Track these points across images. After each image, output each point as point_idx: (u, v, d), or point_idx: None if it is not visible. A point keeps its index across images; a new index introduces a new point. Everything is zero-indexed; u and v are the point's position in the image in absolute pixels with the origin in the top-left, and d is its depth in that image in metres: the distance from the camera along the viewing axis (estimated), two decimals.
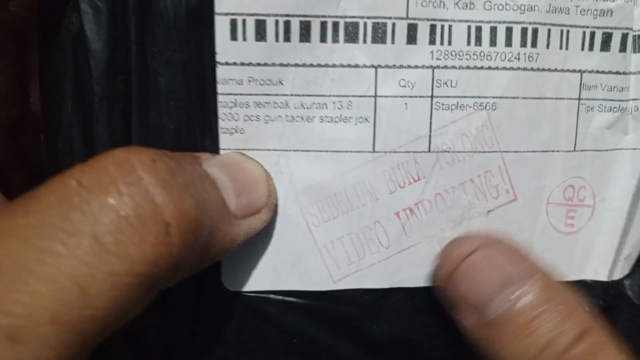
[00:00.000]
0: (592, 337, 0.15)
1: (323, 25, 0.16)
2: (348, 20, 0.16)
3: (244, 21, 0.16)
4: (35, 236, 0.12)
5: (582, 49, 0.17)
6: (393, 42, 0.16)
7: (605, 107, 0.18)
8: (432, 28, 0.17)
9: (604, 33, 0.17)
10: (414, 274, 0.18)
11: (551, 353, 0.15)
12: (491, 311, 0.16)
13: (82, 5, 0.15)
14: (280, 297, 0.18)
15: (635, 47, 0.18)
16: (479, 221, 0.18)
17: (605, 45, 0.18)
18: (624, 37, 0.18)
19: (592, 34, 0.17)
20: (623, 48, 0.18)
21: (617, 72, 0.18)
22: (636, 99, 0.18)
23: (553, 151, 0.18)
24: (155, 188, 0.13)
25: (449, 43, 0.17)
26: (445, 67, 0.17)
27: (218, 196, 0.15)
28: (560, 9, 0.17)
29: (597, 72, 0.18)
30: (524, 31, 0.17)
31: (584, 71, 0.18)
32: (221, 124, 0.17)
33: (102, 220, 0.12)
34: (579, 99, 0.18)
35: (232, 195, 0.15)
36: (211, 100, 0.16)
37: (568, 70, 0.17)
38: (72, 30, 0.15)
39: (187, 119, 0.16)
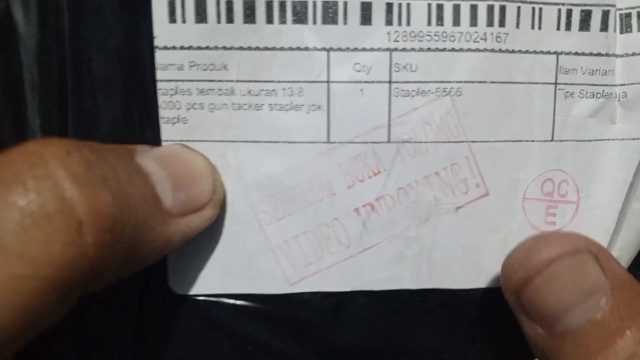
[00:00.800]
0: None
1: (269, 4, 0.15)
2: None
3: (182, 1, 0.15)
4: None
5: (558, 28, 0.16)
6: (345, 23, 0.15)
7: (587, 92, 0.16)
8: (389, 7, 0.15)
9: (582, 11, 0.16)
10: (377, 276, 0.17)
11: None
12: (568, 321, 0.14)
13: None
14: (231, 301, 0.17)
15: (622, 27, 0.16)
16: (447, 218, 0.16)
17: (584, 24, 0.16)
18: (605, 14, 0.16)
19: (569, 12, 0.16)
20: (604, 27, 0.16)
21: (599, 54, 0.16)
22: (624, 84, 0.16)
23: (527, 141, 0.16)
24: (66, 182, 0.11)
25: (408, 23, 0.15)
26: (404, 49, 0.15)
27: (149, 192, 0.13)
28: None
29: (576, 53, 0.16)
30: (490, 9, 0.15)
31: (561, 53, 0.16)
32: (162, 113, 0.15)
33: (2, 218, 0.11)
34: (556, 83, 0.16)
35: (168, 191, 0.14)
36: (150, 88, 0.15)
37: (542, 52, 0.16)
38: (0, 15, 0.15)
39: (126, 109, 0.15)
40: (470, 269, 0.17)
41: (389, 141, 0.16)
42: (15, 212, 0.11)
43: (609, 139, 0.17)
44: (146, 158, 0.14)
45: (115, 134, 0.15)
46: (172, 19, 0.15)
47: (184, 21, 0.15)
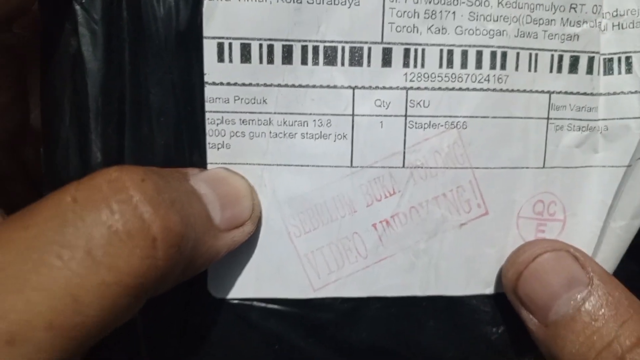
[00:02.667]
0: None
1: (304, 48, 0.17)
2: (327, 44, 0.17)
3: (230, 44, 0.17)
4: (31, 248, 0.13)
5: (551, 71, 0.18)
6: (369, 65, 0.18)
7: (574, 126, 0.19)
8: (406, 52, 0.18)
9: (571, 56, 0.18)
10: (390, 283, 0.19)
11: (612, 352, 0.16)
12: (557, 310, 0.17)
13: (80, 29, 0.17)
14: (262, 305, 0.19)
15: (605, 69, 0.19)
16: (452, 234, 0.19)
17: (573, 67, 0.19)
18: (591, 60, 0.19)
19: (560, 57, 0.18)
20: (590, 70, 0.19)
21: (585, 93, 0.19)
22: (605, 119, 0.19)
23: (522, 167, 0.19)
24: (143, 205, 0.14)
25: (422, 66, 0.18)
26: (418, 88, 0.18)
27: (203, 211, 0.16)
28: (529, 33, 0.18)
29: (566, 92, 0.19)
30: (493, 54, 0.18)
31: (553, 92, 0.19)
32: (209, 139, 0.18)
33: (94, 235, 0.13)
34: (548, 118, 0.19)
35: (217, 210, 0.16)
36: (199, 118, 0.18)
37: (537, 91, 0.18)
38: (71, 51, 0.17)
39: (177, 135, 0.18)
40: (471, 277, 0.19)
41: (403, 166, 0.18)
42: (104, 230, 0.13)
43: (591, 166, 0.19)
44: (198, 181, 0.16)
45: (168, 158, 0.18)
46: (221, 59, 0.17)
47: (230, 61, 0.17)
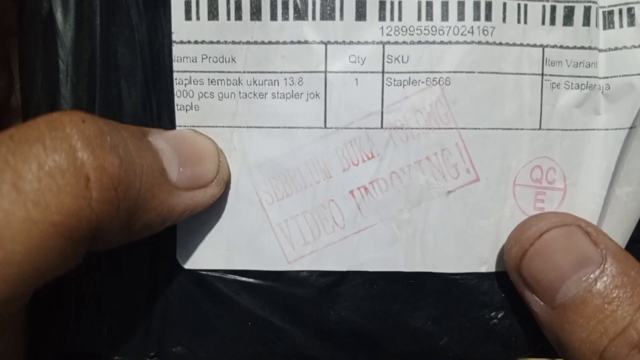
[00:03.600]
0: None
1: (273, 3, 0.17)
2: None
3: (197, 1, 0.17)
4: None
5: (543, 23, 0.17)
6: (342, 19, 0.17)
7: (572, 84, 0.17)
8: (382, 4, 0.17)
9: (565, 7, 0.17)
10: (372, 257, 0.18)
11: (629, 338, 0.14)
12: (566, 291, 0.15)
13: None
14: (234, 277, 0.18)
15: (604, 23, 0.17)
16: (439, 202, 0.17)
17: (568, 19, 0.17)
18: (587, 10, 0.17)
19: (553, 8, 0.17)
20: (587, 22, 0.17)
21: (582, 47, 0.17)
22: (607, 77, 0.17)
23: (517, 129, 0.17)
24: (79, 143, 0.13)
25: (399, 19, 0.17)
26: (396, 42, 0.17)
27: (157, 164, 0.15)
28: None
29: (561, 47, 0.17)
30: (476, 4, 0.17)
31: (546, 46, 0.17)
32: (177, 100, 0.17)
33: (22, 169, 0.13)
34: (542, 74, 0.17)
35: (175, 166, 0.16)
36: (167, 78, 0.17)
37: (528, 45, 0.17)
38: (43, 14, 0.17)
39: (146, 96, 0.17)
40: (463, 253, 0.17)
41: (382, 127, 0.17)
42: (34, 165, 0.13)
43: (593, 129, 0.17)
44: (158, 137, 0.16)
45: (136, 119, 0.17)
46: (188, 17, 0.17)
47: (198, 18, 0.17)
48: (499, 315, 0.18)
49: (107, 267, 0.18)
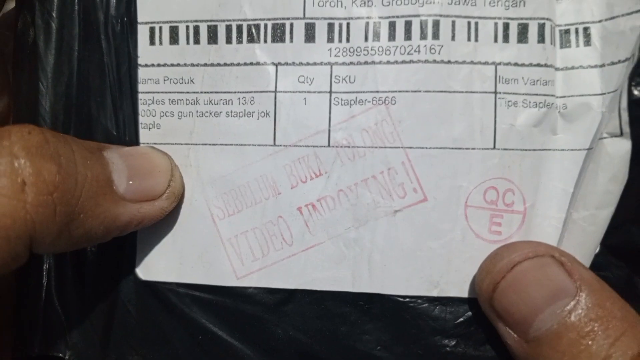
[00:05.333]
0: None
1: (228, 28, 0.18)
2: (250, 22, 0.17)
3: (160, 28, 0.18)
4: None
5: (496, 40, 0.17)
6: (292, 41, 0.17)
7: (530, 102, 0.16)
8: (330, 26, 0.17)
9: (519, 24, 0.16)
10: (320, 275, 0.17)
11: None
12: (539, 325, 0.15)
13: (37, 20, 0.19)
14: (185, 290, 0.18)
15: (561, 42, 0.16)
16: (386, 221, 0.17)
17: (522, 36, 0.16)
18: (541, 27, 0.16)
19: (506, 25, 0.16)
20: (541, 39, 0.16)
21: (539, 65, 0.16)
22: (564, 97, 0.16)
23: (467, 149, 0.17)
24: (19, 152, 0.14)
25: (347, 40, 0.17)
26: (343, 63, 0.17)
27: (104, 175, 0.16)
28: (465, 0, 0.16)
29: (516, 64, 0.16)
30: (424, 23, 0.17)
31: (499, 63, 0.16)
32: (140, 119, 0.18)
33: None
34: (495, 92, 0.16)
35: (124, 178, 0.17)
36: (133, 99, 0.18)
37: (479, 63, 0.17)
38: (29, 41, 0.19)
39: (114, 115, 0.18)
40: (412, 274, 0.17)
41: (329, 145, 0.17)
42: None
43: (550, 149, 0.16)
44: (112, 152, 0.17)
45: (106, 137, 0.18)
46: (152, 42, 0.18)
47: (161, 43, 0.18)
48: (452, 343, 0.17)
49: (73, 276, 0.19)
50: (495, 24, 0.17)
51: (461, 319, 0.17)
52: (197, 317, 0.18)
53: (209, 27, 0.18)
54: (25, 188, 0.14)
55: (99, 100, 0.18)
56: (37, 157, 0.14)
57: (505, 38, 0.17)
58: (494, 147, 0.16)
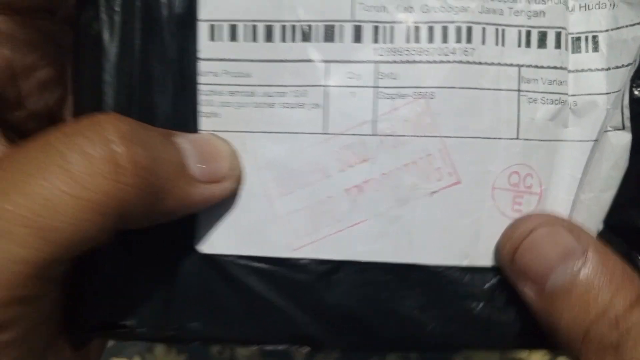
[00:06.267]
0: None
1: (283, 28, 0.20)
2: (303, 23, 0.20)
3: (220, 26, 0.20)
4: (23, 164, 0.16)
5: (519, 45, 0.19)
6: (342, 41, 0.20)
7: (547, 99, 0.19)
8: (375, 29, 0.19)
9: (539, 32, 0.19)
10: (364, 248, 0.20)
11: (607, 319, 0.17)
12: (552, 282, 0.18)
13: (101, 15, 0.20)
14: (244, 262, 0.20)
15: (573, 47, 0.19)
16: (424, 201, 0.20)
17: (542, 42, 0.19)
18: (558, 34, 0.19)
19: (528, 33, 0.19)
20: (558, 45, 0.19)
21: (555, 67, 0.19)
22: (575, 95, 0.19)
23: (495, 138, 0.19)
24: (113, 137, 0.16)
25: (391, 41, 0.19)
26: (387, 61, 0.19)
27: (178, 159, 0.18)
28: (494, 10, 0.19)
29: (536, 66, 0.19)
30: (458, 29, 0.19)
31: (522, 65, 0.19)
32: (201, 108, 0.20)
33: (68, 155, 0.16)
34: (519, 90, 0.19)
35: (195, 162, 0.19)
36: (194, 90, 0.20)
37: (505, 64, 0.19)
38: (93, 34, 0.20)
39: (175, 105, 0.20)
40: (447, 247, 0.20)
41: (374, 134, 0.20)
42: (77, 152, 0.16)
43: (562, 140, 0.19)
44: (182, 138, 0.19)
45: (167, 124, 0.20)
46: (212, 38, 0.20)
47: (221, 40, 0.20)
48: (479, 306, 0.20)
49: (138, 251, 0.21)
50: (519, 31, 0.19)
51: (487, 285, 0.20)
52: (254, 285, 0.20)
53: (266, 26, 0.20)
54: (120, 170, 0.16)
55: (161, 90, 0.20)
56: (129, 142, 0.16)
57: (528, 43, 0.19)
58: (517, 138, 0.19)
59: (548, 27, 0.19)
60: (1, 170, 0.16)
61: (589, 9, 0.19)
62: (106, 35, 0.20)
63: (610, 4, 0.19)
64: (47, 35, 0.21)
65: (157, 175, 0.17)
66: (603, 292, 0.17)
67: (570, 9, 0.19)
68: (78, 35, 0.21)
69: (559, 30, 0.19)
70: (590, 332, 0.17)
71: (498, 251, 0.19)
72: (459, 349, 0.21)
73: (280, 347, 0.21)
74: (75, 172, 0.16)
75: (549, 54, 0.19)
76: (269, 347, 0.21)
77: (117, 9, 0.20)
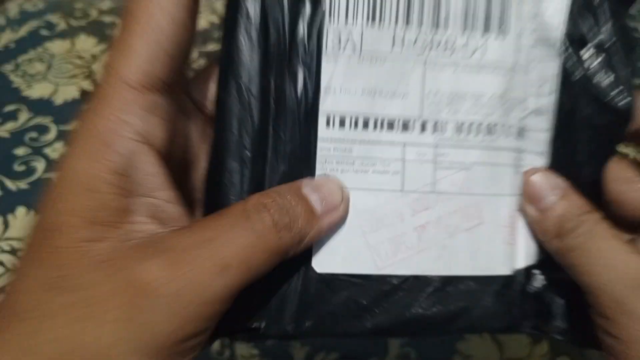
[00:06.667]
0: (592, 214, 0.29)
1: (375, 121, 0.30)
2: (388, 118, 0.30)
3: (333, 116, 0.29)
4: (225, 231, 0.25)
5: (516, 137, 0.31)
6: (413, 131, 0.30)
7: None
8: (435, 124, 0.30)
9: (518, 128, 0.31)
10: (426, 267, 0.30)
11: (564, 227, 0.28)
12: (545, 200, 0.29)
13: (242, 98, 0.29)
14: (345, 277, 0.30)
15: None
16: (462, 235, 0.30)
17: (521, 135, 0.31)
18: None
19: (522, 129, 0.31)
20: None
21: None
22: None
23: (505, 195, 0.31)
24: (275, 214, 0.26)
25: (443, 132, 0.30)
26: (442, 145, 0.30)
27: (309, 207, 0.27)
28: (507, 113, 0.31)
29: (521, 151, 0.31)
30: (484, 126, 0.31)
31: (518, 150, 0.31)
32: (317, 171, 0.30)
33: (258, 223, 0.25)
34: (515, 165, 0.31)
35: (318, 202, 0.28)
36: (313, 158, 0.29)
37: (510, 149, 0.31)
38: (233, 110, 0.29)
39: (299, 167, 0.29)
40: (474, 263, 0.31)
41: (433, 192, 0.30)
42: (259, 224, 0.25)
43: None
44: (306, 187, 0.28)
45: (291, 166, 0.29)
46: (327, 125, 0.29)
47: (333, 127, 0.29)
48: (498, 297, 0.31)
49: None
50: (518, 127, 0.31)
51: (501, 284, 0.31)
52: (352, 294, 0.30)
53: (364, 119, 0.30)
54: (282, 234, 0.26)
55: (290, 158, 0.29)
56: (281, 213, 0.26)
57: (521, 137, 0.31)
58: (515, 194, 0.31)
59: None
60: (207, 230, 0.24)
61: None
62: (242, 114, 0.29)
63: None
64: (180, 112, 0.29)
65: (298, 225, 0.26)
66: (574, 215, 0.29)
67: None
68: (222, 107, 0.29)
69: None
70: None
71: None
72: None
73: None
74: (258, 235, 0.25)
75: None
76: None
77: (254, 97, 0.29)
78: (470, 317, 0.31)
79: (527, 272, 0.31)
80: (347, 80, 0.29)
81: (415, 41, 0.30)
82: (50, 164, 0.66)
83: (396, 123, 0.30)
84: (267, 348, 0.48)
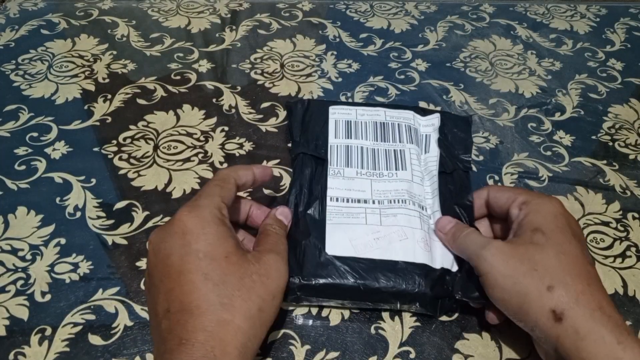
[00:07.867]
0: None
1: (351, 200, 0.68)
2: (357, 199, 0.68)
3: (335, 198, 0.68)
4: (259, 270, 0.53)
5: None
6: (368, 204, 0.67)
7: (424, 208, 0.67)
8: (378, 201, 0.68)
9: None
10: (379, 255, 0.62)
11: (455, 235, 0.59)
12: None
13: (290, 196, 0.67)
14: (343, 259, 0.62)
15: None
16: (397, 244, 0.63)
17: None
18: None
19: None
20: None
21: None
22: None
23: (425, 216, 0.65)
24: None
25: (382, 204, 0.67)
26: (382, 208, 0.67)
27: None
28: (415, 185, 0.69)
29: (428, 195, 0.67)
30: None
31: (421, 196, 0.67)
32: (326, 222, 0.66)
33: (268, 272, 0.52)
34: (421, 210, 0.67)
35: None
36: (325, 217, 0.66)
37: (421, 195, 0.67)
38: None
39: (319, 221, 0.66)
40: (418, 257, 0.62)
41: (380, 224, 0.65)
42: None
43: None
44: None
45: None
46: (330, 201, 0.67)
47: (334, 202, 0.67)
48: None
49: (302, 251, 0.62)
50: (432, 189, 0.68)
51: (435, 273, 0.61)
52: (346, 269, 0.61)
53: (346, 199, 0.68)
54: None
55: (314, 222, 0.66)
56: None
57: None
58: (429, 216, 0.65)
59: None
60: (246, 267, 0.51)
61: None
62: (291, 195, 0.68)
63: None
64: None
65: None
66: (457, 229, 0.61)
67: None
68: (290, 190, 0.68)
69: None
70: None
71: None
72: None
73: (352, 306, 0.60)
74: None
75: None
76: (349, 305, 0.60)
77: (305, 188, 0.68)
78: (406, 288, 0.60)
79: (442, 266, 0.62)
80: (338, 185, 0.69)
81: (366, 173, 0.71)
82: (51, 164, 0.65)
83: (362, 201, 0.68)
84: (268, 347, 0.53)
